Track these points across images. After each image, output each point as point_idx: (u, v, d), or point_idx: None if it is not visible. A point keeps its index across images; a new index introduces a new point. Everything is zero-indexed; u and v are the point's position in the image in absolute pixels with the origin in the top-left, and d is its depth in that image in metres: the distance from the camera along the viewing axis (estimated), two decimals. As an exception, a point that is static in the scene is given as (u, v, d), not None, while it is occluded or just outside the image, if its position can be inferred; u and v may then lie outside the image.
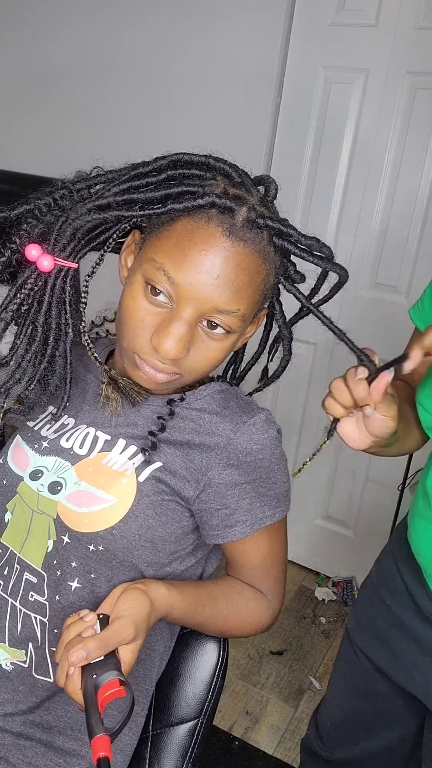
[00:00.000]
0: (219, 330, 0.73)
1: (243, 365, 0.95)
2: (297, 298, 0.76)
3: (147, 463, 0.80)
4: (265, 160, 2.19)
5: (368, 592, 1.11)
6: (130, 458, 0.81)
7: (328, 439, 0.77)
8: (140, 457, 0.81)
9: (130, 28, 2.31)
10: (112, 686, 0.66)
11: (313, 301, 0.78)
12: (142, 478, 0.80)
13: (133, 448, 0.82)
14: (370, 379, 0.70)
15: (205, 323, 0.73)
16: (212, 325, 0.73)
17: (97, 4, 2.37)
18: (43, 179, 0.80)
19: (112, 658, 0.69)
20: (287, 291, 0.77)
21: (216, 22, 2.16)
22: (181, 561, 0.84)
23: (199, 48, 2.20)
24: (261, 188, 0.76)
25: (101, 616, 0.72)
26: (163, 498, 0.80)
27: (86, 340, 0.79)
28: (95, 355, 0.81)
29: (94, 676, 0.66)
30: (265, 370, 0.91)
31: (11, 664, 0.83)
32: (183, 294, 0.71)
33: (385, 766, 1.14)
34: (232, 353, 0.90)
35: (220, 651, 0.91)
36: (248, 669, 1.99)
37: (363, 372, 0.70)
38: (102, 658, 0.68)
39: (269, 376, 0.90)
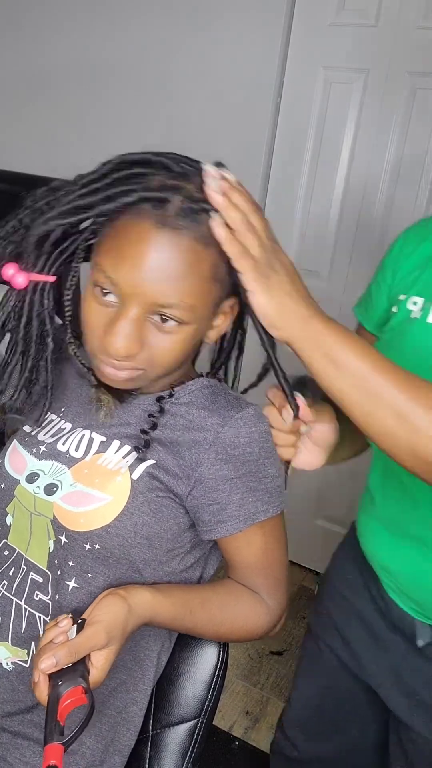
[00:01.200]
0: (171, 322, 0.73)
1: (234, 362, 0.94)
2: (239, 288, 0.75)
3: (140, 460, 0.81)
4: (265, 160, 2.19)
5: (327, 586, 1.12)
6: (124, 457, 0.82)
7: (287, 477, 0.86)
8: (134, 455, 0.82)
9: (130, 28, 2.31)
10: (75, 694, 0.67)
11: None
12: (135, 475, 0.80)
13: (127, 448, 0.83)
14: (295, 414, 0.79)
15: (157, 317, 0.73)
16: (164, 319, 0.73)
17: (97, 4, 2.37)
18: (43, 179, 0.81)
19: (81, 665, 0.69)
20: (233, 278, 0.75)
21: (216, 22, 2.16)
22: (180, 560, 0.85)
23: (199, 48, 2.20)
24: None
25: (79, 622, 0.72)
26: (158, 495, 0.80)
27: (72, 349, 0.82)
28: (82, 361, 0.83)
29: (60, 683, 0.67)
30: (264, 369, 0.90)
31: (12, 663, 0.83)
32: (124, 292, 0.71)
33: (354, 762, 1.14)
34: (216, 345, 0.91)
35: (220, 651, 0.91)
36: (248, 669, 1.99)
37: (289, 415, 0.79)
38: (71, 664, 0.69)
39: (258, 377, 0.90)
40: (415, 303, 0.89)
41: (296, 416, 0.79)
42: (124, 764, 0.87)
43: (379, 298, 0.98)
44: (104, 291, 0.73)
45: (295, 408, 0.78)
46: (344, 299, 2.17)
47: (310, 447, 0.86)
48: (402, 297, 0.91)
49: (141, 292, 0.71)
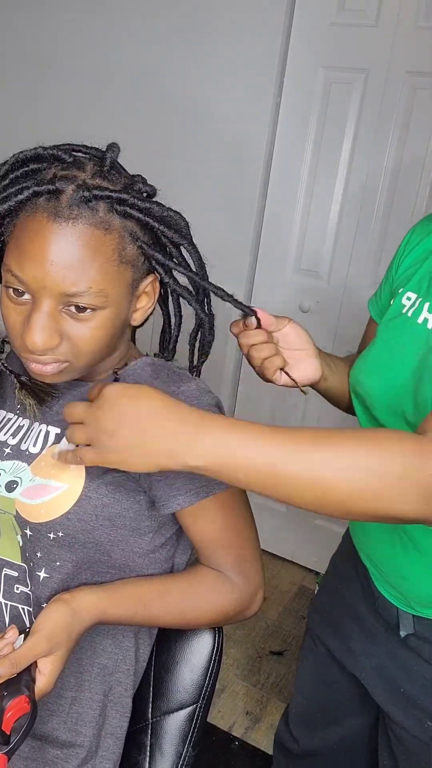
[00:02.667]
0: (87, 312, 0.74)
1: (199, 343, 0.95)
2: (157, 262, 0.79)
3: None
4: (265, 159, 2.19)
5: (325, 581, 1.14)
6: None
7: (304, 392, 0.95)
8: None
9: (131, 27, 2.32)
10: (19, 704, 0.68)
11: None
12: None
13: None
14: (258, 323, 0.86)
15: (72, 308, 0.74)
16: (79, 308, 0.74)
17: (97, 3, 2.37)
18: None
19: (26, 673, 0.71)
20: (147, 256, 0.78)
21: (216, 22, 2.16)
22: (150, 540, 0.85)
23: (199, 48, 2.21)
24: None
25: (27, 631, 0.74)
26: (113, 476, 0.81)
27: None
28: (4, 364, 0.85)
29: (5, 694, 0.68)
30: (191, 349, 0.92)
31: None
32: (32, 288, 0.72)
33: (350, 756, 1.15)
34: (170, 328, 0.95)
35: (215, 636, 0.91)
36: (248, 669, 1.99)
37: (252, 323, 0.86)
38: (17, 674, 0.70)
39: (197, 356, 0.92)
40: (408, 298, 0.90)
41: (259, 325, 0.86)
42: (120, 748, 0.87)
43: (386, 290, 1.00)
44: (16, 290, 0.74)
45: (254, 315, 0.85)
46: (344, 299, 2.18)
47: (297, 356, 0.93)
48: (400, 290, 0.92)
49: (48, 286, 0.71)
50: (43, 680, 0.72)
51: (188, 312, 0.88)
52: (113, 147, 0.78)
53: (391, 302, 0.94)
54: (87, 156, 0.78)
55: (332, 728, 1.14)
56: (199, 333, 0.89)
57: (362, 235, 2.10)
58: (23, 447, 0.86)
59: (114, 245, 0.73)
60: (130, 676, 0.88)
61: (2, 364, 0.85)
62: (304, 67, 2.07)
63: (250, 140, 2.19)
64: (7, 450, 0.87)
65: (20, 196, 0.70)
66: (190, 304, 0.83)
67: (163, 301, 0.92)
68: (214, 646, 0.91)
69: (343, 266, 2.16)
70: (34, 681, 0.71)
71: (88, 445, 0.69)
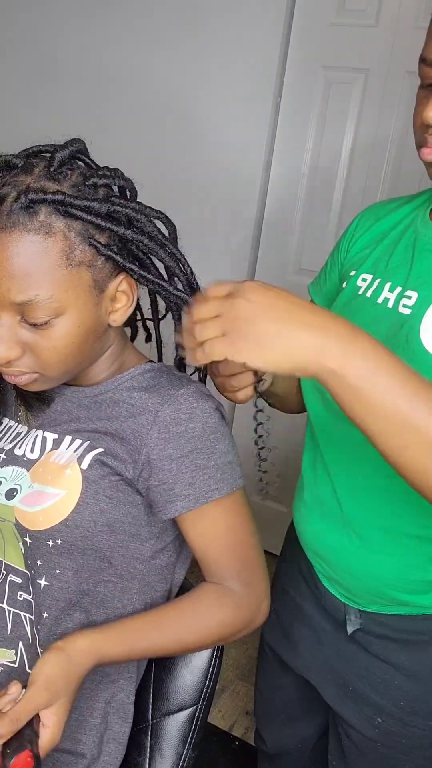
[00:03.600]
0: (40, 320, 0.73)
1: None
2: (117, 264, 0.75)
3: (89, 449, 0.81)
4: (265, 160, 2.19)
5: (274, 585, 1.11)
6: (75, 450, 0.82)
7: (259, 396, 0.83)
8: (83, 447, 0.82)
9: (131, 27, 2.32)
10: (23, 759, 0.66)
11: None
12: (85, 465, 0.80)
13: (78, 441, 0.83)
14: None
15: (26, 319, 0.73)
16: (32, 318, 0.72)
17: (98, 4, 2.37)
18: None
19: (28, 728, 0.69)
20: (100, 253, 0.74)
21: (216, 22, 2.16)
22: (150, 546, 0.84)
23: (199, 48, 2.20)
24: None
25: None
26: (110, 480, 0.80)
27: None
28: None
29: (8, 751, 0.66)
30: (178, 354, 0.88)
31: (0, 665, 0.84)
32: None
33: (315, 758, 1.16)
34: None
35: None
36: (248, 669, 1.99)
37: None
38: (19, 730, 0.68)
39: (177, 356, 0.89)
40: (364, 279, 0.90)
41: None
42: (122, 752, 0.87)
43: (333, 275, 1.00)
44: None
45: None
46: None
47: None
48: (353, 273, 0.92)
49: None
50: (48, 733, 0.70)
51: None
52: (70, 143, 0.75)
53: (343, 285, 0.94)
54: (45, 157, 0.75)
55: (292, 730, 1.14)
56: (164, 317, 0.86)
57: (362, 235, 2.10)
58: (18, 452, 0.86)
59: (58, 249, 0.71)
60: (132, 683, 0.88)
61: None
62: (304, 67, 2.07)
63: (250, 140, 2.19)
64: (2, 455, 0.87)
65: None
66: (168, 296, 0.79)
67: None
68: (214, 647, 0.91)
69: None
70: (37, 735, 0.69)
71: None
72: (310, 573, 1.00)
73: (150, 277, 0.77)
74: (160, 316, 0.91)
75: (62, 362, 0.76)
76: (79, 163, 0.78)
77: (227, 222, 2.28)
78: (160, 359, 0.96)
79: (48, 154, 0.75)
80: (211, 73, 2.21)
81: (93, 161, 0.79)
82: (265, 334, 0.58)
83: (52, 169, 0.73)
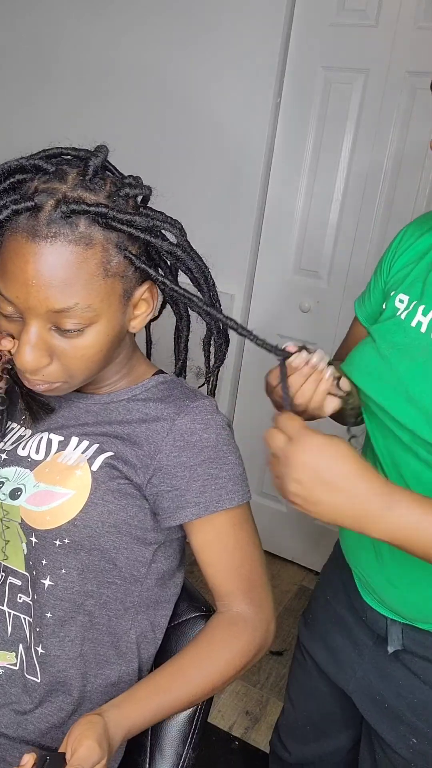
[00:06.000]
0: (74, 328, 0.73)
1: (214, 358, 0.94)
2: (149, 276, 0.76)
3: (99, 452, 0.82)
4: (265, 160, 2.19)
5: (317, 592, 1.11)
6: (83, 452, 0.83)
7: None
8: (93, 449, 0.82)
9: (131, 27, 2.32)
10: None
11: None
12: (95, 467, 0.81)
13: (85, 443, 0.83)
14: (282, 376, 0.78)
15: (59, 326, 0.73)
16: (66, 326, 0.73)
17: (97, 5, 2.37)
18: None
19: None
20: (136, 266, 0.75)
21: (216, 22, 2.16)
22: (154, 551, 0.85)
23: (199, 48, 2.20)
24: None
25: (47, 758, 0.69)
26: (119, 482, 0.81)
27: (2, 363, 0.83)
28: (10, 371, 0.84)
29: None
30: (207, 356, 0.90)
31: (1, 668, 0.84)
32: (19, 307, 0.72)
33: (345, 767, 1.13)
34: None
35: None
36: (248, 669, 1.99)
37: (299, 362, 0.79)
38: None
39: (209, 369, 0.90)
40: (401, 300, 0.87)
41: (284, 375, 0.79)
42: (121, 754, 0.87)
43: (376, 293, 0.97)
44: (6, 309, 0.74)
45: (285, 353, 0.79)
46: (344, 299, 2.18)
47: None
48: (392, 293, 0.90)
49: (32, 306, 0.71)
50: None
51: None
52: (99, 150, 0.75)
53: (383, 306, 0.91)
54: (73, 161, 0.75)
55: (324, 741, 1.12)
56: (213, 338, 0.87)
57: (362, 235, 2.10)
58: (21, 453, 0.86)
59: (97, 259, 0.71)
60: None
61: (6, 370, 0.85)
62: (304, 67, 2.07)
63: (250, 140, 2.19)
64: (4, 456, 0.87)
65: (1, 216, 0.69)
66: (194, 309, 0.80)
67: (173, 301, 0.90)
68: None
69: (343, 266, 2.16)
70: None
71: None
72: (352, 585, 0.98)
73: (180, 290, 0.78)
74: (182, 322, 0.92)
75: (88, 369, 0.77)
76: (106, 172, 0.78)
77: (227, 222, 2.28)
78: (148, 355, 0.98)
79: (69, 157, 0.76)
80: (211, 73, 2.21)
81: (115, 167, 0.79)
82: (310, 498, 0.68)
83: (87, 178, 0.72)
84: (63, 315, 0.71)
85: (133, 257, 0.74)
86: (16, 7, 2.56)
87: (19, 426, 0.91)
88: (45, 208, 0.69)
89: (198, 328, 0.89)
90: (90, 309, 0.72)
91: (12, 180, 0.71)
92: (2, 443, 0.90)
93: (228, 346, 0.88)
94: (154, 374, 0.90)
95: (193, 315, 0.89)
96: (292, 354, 0.78)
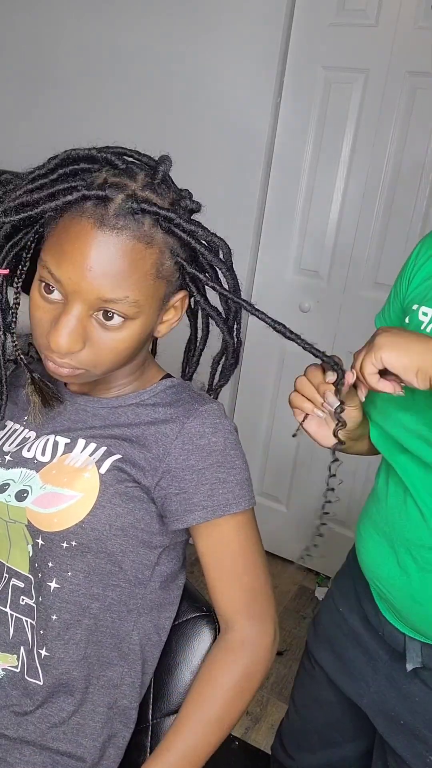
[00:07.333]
0: (115, 319, 0.74)
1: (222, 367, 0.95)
2: (194, 280, 0.79)
3: (107, 455, 0.82)
4: (265, 160, 2.19)
5: (327, 601, 1.10)
6: (91, 454, 0.83)
7: (295, 435, 0.86)
8: (100, 452, 0.82)
9: (131, 26, 2.32)
10: None
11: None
12: (103, 469, 0.81)
13: (93, 445, 0.83)
14: (337, 383, 0.76)
15: (100, 315, 0.74)
16: (108, 316, 0.74)
17: (98, 3, 2.37)
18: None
19: None
20: (184, 273, 0.78)
21: (216, 22, 2.16)
22: (159, 554, 0.85)
23: (198, 48, 2.21)
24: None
25: None
26: (127, 486, 0.81)
27: (13, 341, 0.84)
28: (21, 357, 0.84)
29: None
30: (212, 374, 0.92)
31: (2, 669, 0.84)
32: (67, 289, 0.72)
33: None
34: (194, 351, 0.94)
35: (215, 637, 0.90)
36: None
37: (332, 376, 0.77)
38: None
39: (216, 381, 0.92)
40: (425, 314, 0.86)
41: (339, 383, 0.77)
42: (120, 756, 0.87)
43: (395, 306, 0.97)
44: (49, 288, 0.74)
45: (341, 373, 0.76)
46: (344, 299, 2.18)
47: (329, 421, 0.85)
48: (414, 307, 0.89)
49: (83, 290, 0.71)
50: None
51: (215, 332, 0.88)
52: (166, 159, 0.78)
53: (406, 320, 0.90)
54: (138, 163, 0.77)
55: (330, 750, 1.11)
56: (223, 357, 0.88)
57: (362, 234, 2.10)
58: (27, 455, 0.86)
59: (154, 259, 0.73)
60: (135, 688, 0.87)
61: (19, 355, 0.84)
62: (304, 67, 2.07)
63: (250, 140, 2.19)
64: (8, 457, 0.87)
65: (69, 197, 0.70)
66: (218, 326, 0.83)
67: (192, 313, 0.92)
68: (210, 646, 0.90)
69: (343, 266, 2.16)
70: None
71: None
72: (367, 597, 0.97)
73: (211, 309, 0.81)
74: (201, 334, 0.93)
75: (114, 362, 0.78)
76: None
77: (227, 222, 2.28)
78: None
79: (131, 159, 0.77)
80: (211, 73, 2.21)
81: (171, 178, 0.81)
82: (405, 345, 0.71)
83: (156, 182, 0.75)
84: (109, 305, 0.72)
85: (185, 264, 0.76)
86: (16, 7, 2.56)
87: (22, 428, 0.90)
88: (116, 199, 0.70)
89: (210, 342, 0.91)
90: (136, 305, 0.74)
91: (76, 167, 0.72)
92: (7, 445, 0.89)
93: (236, 367, 0.89)
94: (162, 378, 0.90)
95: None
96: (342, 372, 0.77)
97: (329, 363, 0.76)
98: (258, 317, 0.74)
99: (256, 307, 0.75)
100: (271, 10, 2.06)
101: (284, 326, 0.74)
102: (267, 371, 2.31)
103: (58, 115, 2.55)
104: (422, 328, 0.86)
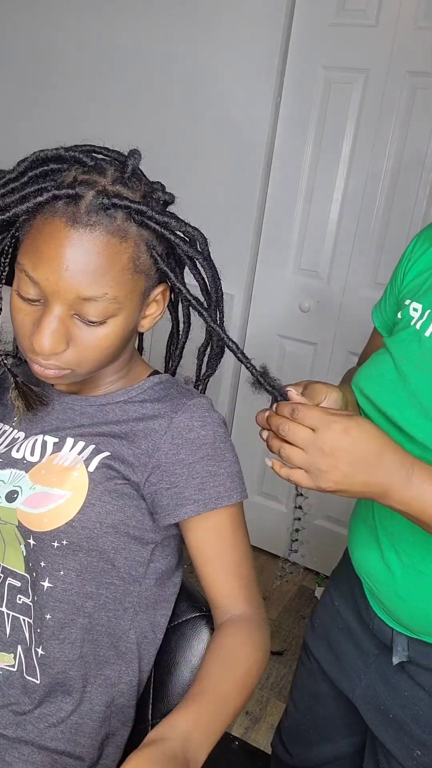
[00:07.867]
0: (96, 316, 0.74)
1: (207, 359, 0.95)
2: (169, 281, 0.78)
3: (96, 453, 0.82)
4: (265, 160, 2.19)
5: (325, 596, 1.11)
6: (80, 453, 0.83)
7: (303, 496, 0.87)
8: (89, 450, 0.82)
9: (131, 26, 2.32)
10: None
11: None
12: (92, 467, 0.81)
13: (81, 444, 0.83)
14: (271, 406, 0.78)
15: (82, 314, 0.74)
16: (89, 316, 0.74)
17: (98, 2, 2.37)
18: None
19: None
20: (159, 268, 0.78)
21: (216, 22, 2.16)
22: (152, 550, 0.85)
23: (199, 48, 2.21)
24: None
25: None
26: (116, 483, 0.81)
27: None
28: (4, 361, 0.83)
29: None
30: (199, 365, 0.92)
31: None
32: (45, 290, 0.72)
33: None
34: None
35: None
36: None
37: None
38: None
39: (203, 371, 0.92)
40: (415, 309, 0.86)
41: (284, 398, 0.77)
42: (120, 754, 0.87)
43: (390, 301, 0.97)
44: (28, 290, 0.74)
45: (284, 395, 0.77)
46: (344, 299, 2.18)
47: None
48: (407, 302, 0.89)
49: (60, 289, 0.72)
50: None
51: (199, 322, 0.87)
52: (135, 153, 0.78)
53: (399, 315, 0.90)
54: (108, 160, 0.77)
55: (326, 745, 1.11)
56: (208, 347, 0.89)
57: (362, 234, 2.10)
58: (16, 455, 0.86)
59: (129, 254, 0.73)
60: (133, 687, 0.87)
61: (2, 360, 0.84)
62: (304, 67, 2.07)
63: (250, 140, 2.19)
64: None
65: (39, 198, 0.70)
66: (201, 316, 0.82)
67: (173, 306, 0.92)
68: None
69: (343, 266, 2.16)
70: None
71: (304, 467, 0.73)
72: (360, 592, 0.97)
73: (192, 297, 0.80)
74: (183, 326, 0.94)
75: (98, 360, 0.78)
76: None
77: (227, 222, 2.28)
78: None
79: (101, 156, 0.77)
80: (211, 73, 2.21)
81: (141, 171, 0.81)
82: (343, 480, 0.71)
83: (126, 176, 0.75)
84: (89, 303, 0.73)
85: (159, 257, 0.76)
86: (16, 7, 2.56)
87: (11, 429, 0.90)
88: (86, 196, 0.70)
89: (192, 335, 0.91)
90: (116, 301, 0.74)
91: (46, 168, 0.72)
92: None
93: (222, 356, 0.90)
94: (149, 375, 0.90)
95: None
96: (286, 399, 0.77)
97: (269, 390, 0.77)
98: (213, 329, 0.77)
99: (214, 318, 0.78)
100: (271, 10, 2.06)
101: (237, 346, 0.77)
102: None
103: (58, 115, 2.55)
104: (412, 324, 0.85)
